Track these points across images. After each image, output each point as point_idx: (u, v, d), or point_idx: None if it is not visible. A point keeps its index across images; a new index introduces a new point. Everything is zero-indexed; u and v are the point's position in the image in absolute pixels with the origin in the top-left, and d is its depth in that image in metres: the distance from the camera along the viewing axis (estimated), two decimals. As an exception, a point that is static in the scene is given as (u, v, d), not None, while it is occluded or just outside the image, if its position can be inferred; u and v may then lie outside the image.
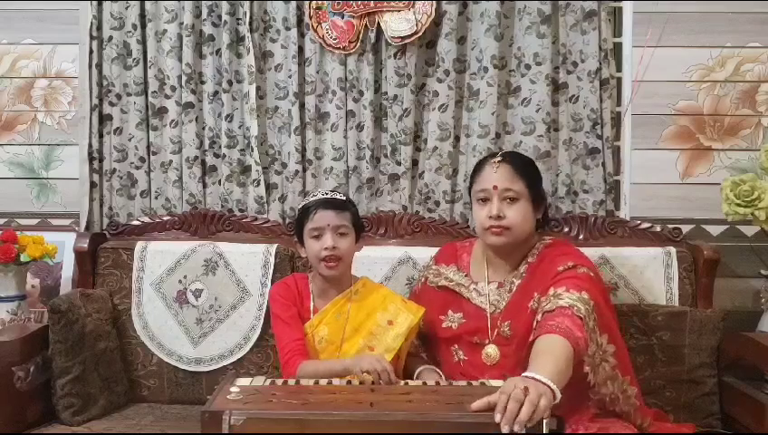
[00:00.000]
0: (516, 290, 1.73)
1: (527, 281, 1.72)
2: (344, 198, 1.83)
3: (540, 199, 1.76)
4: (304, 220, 1.78)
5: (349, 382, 1.52)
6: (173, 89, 2.33)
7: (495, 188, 1.70)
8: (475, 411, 1.26)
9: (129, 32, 2.33)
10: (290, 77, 2.30)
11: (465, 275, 1.82)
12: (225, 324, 2.12)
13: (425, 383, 1.54)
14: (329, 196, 1.81)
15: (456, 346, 1.77)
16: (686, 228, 2.23)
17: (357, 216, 1.84)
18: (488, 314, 1.74)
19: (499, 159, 1.74)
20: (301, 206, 1.84)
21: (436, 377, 1.71)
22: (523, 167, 1.74)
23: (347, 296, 1.79)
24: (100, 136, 2.37)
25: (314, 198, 1.80)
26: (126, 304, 2.15)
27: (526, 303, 1.67)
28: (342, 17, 2.26)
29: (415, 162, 2.33)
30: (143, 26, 2.33)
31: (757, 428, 1.80)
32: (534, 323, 1.57)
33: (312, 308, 1.80)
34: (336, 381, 1.52)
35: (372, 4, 2.24)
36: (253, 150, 2.31)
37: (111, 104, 2.36)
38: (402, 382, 1.54)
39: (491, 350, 1.71)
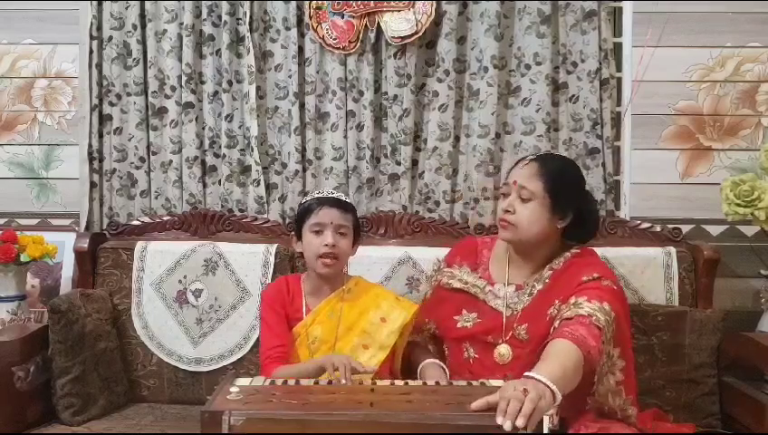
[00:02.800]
0: (537, 295, 1.70)
1: (550, 287, 1.69)
2: (348, 199, 1.84)
3: (563, 209, 1.69)
4: (306, 215, 1.77)
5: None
6: (173, 89, 2.33)
7: (515, 183, 1.70)
8: (475, 411, 1.26)
9: (129, 32, 2.33)
10: (290, 77, 2.30)
11: (480, 277, 1.79)
12: (225, 324, 2.12)
13: (425, 383, 1.54)
14: (334, 195, 1.82)
15: (468, 344, 1.75)
16: (686, 228, 2.23)
17: (357, 219, 1.84)
18: (504, 316, 1.72)
19: (533, 157, 1.73)
20: (304, 201, 1.84)
21: (440, 371, 1.71)
22: (550, 170, 1.68)
23: (340, 295, 1.79)
24: (100, 136, 2.37)
25: (319, 195, 1.81)
26: (126, 304, 2.15)
27: (546, 309, 1.65)
28: (342, 17, 2.26)
29: (415, 162, 2.33)
30: (143, 26, 2.33)
31: (757, 428, 1.80)
32: (552, 329, 1.57)
33: (304, 308, 1.80)
34: (335, 382, 1.52)
35: (372, 4, 2.24)
36: (253, 150, 2.31)
37: (111, 104, 2.36)
38: (402, 382, 1.54)
39: (503, 349, 1.69)
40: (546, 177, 1.67)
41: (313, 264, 1.76)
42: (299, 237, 1.81)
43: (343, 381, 1.48)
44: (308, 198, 1.83)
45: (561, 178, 1.70)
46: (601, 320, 1.52)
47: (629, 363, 1.62)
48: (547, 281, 1.70)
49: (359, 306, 1.78)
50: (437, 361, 1.76)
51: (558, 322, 1.56)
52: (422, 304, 1.87)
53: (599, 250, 2.06)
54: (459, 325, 1.77)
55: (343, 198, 1.81)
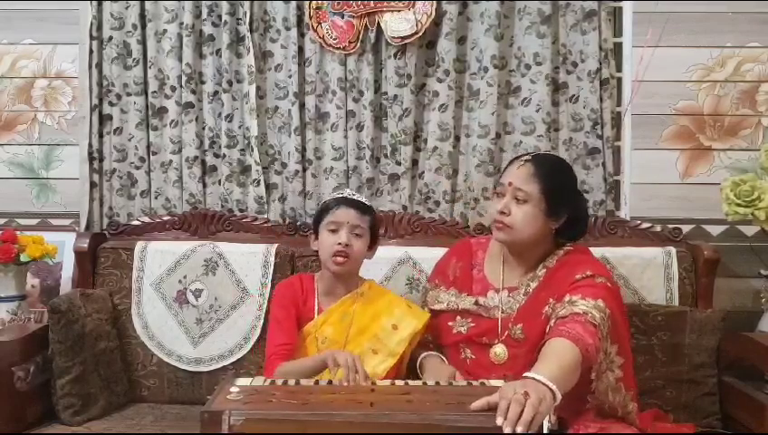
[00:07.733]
0: (532, 294, 1.70)
1: (544, 285, 1.69)
2: (368, 203, 1.86)
3: (558, 210, 1.68)
4: (324, 214, 1.79)
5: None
6: (173, 89, 2.33)
7: (510, 184, 1.68)
8: (475, 411, 1.26)
9: (129, 32, 2.33)
10: (290, 77, 2.30)
11: (468, 294, 1.78)
12: (225, 324, 2.12)
13: (425, 383, 1.54)
14: (355, 196, 1.83)
15: (464, 346, 1.76)
16: (686, 228, 2.23)
17: (376, 222, 1.84)
18: (499, 319, 1.72)
19: (527, 157, 1.71)
20: (325, 200, 1.86)
21: (439, 361, 1.72)
22: (546, 172, 1.67)
23: (353, 297, 1.79)
24: (100, 136, 2.37)
25: (338, 195, 1.83)
26: (126, 304, 2.15)
27: (541, 308, 1.65)
28: (342, 17, 2.26)
29: (415, 162, 2.33)
30: (143, 26, 2.34)
31: (757, 428, 1.79)
32: (548, 329, 1.57)
33: (316, 308, 1.80)
34: (336, 382, 1.52)
35: (372, 4, 2.24)
36: (253, 150, 2.31)
37: (111, 104, 2.36)
38: (402, 382, 1.54)
39: (499, 349, 1.70)
40: (542, 179, 1.66)
41: (327, 262, 1.77)
42: (316, 236, 1.82)
43: (345, 383, 1.48)
44: (328, 198, 1.86)
45: (557, 181, 1.69)
46: (596, 317, 1.52)
47: (628, 360, 1.62)
48: (541, 279, 1.71)
49: (371, 311, 1.78)
50: (436, 353, 1.77)
51: (553, 320, 1.56)
52: None
53: (599, 250, 2.08)
54: (455, 331, 1.77)
55: (363, 200, 1.83)
